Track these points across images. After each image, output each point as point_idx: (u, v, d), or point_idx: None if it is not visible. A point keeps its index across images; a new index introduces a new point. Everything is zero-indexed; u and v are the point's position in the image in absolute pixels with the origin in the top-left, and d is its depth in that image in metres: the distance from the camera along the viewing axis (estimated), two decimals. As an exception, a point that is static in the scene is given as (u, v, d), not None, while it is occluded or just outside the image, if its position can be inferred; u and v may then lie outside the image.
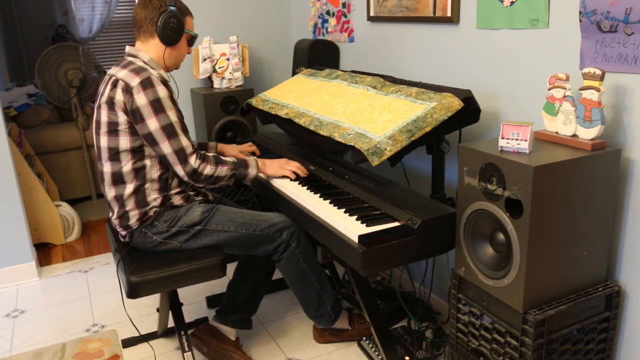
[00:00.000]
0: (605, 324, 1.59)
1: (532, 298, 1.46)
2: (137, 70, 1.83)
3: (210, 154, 1.95)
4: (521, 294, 1.44)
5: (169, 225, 1.93)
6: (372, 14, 2.57)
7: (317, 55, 2.90)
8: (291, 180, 2.09)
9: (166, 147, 1.84)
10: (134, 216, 1.92)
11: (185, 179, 1.90)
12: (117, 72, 1.86)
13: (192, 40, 2.02)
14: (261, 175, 2.12)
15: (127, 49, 1.95)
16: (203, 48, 3.01)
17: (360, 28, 2.71)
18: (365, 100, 2.04)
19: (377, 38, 2.58)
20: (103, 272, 3.06)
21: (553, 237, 1.44)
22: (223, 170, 1.93)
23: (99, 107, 1.88)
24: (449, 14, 2.07)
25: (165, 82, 1.87)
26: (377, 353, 2.16)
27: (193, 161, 1.87)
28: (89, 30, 5.81)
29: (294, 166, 2.11)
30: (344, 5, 2.81)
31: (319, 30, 3.11)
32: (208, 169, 1.90)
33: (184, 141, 1.86)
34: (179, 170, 1.87)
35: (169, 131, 1.83)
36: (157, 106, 1.81)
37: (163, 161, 1.89)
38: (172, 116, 1.84)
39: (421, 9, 2.22)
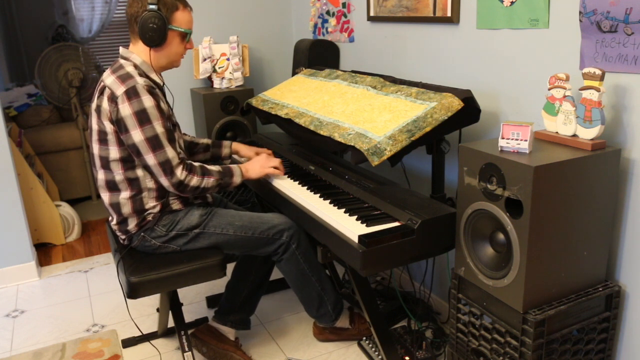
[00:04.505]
0: (605, 324, 1.59)
1: (532, 298, 1.46)
2: (124, 78, 1.78)
3: (197, 164, 1.89)
4: (521, 294, 1.44)
5: (168, 229, 1.92)
6: (372, 14, 2.57)
7: (317, 55, 2.90)
8: (279, 175, 2.10)
9: (151, 159, 1.79)
10: (132, 222, 1.91)
11: (171, 189, 1.84)
12: (106, 77, 1.83)
13: (184, 36, 1.89)
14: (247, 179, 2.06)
15: (121, 50, 1.90)
16: (203, 48, 3.01)
17: (360, 28, 2.71)
18: (365, 100, 2.04)
19: (377, 38, 2.58)
20: (103, 272, 3.06)
21: (553, 237, 1.44)
22: (209, 182, 1.88)
23: (91, 113, 1.85)
24: (449, 14, 2.07)
25: (152, 91, 1.79)
26: (377, 353, 2.16)
27: (179, 173, 1.81)
28: (89, 30, 5.81)
29: (275, 162, 2.09)
30: (344, 5, 2.81)
31: (319, 30, 3.11)
32: (195, 181, 1.85)
33: (169, 153, 1.80)
34: (164, 181, 1.82)
35: (153, 143, 1.77)
36: (142, 117, 1.75)
37: (149, 172, 1.84)
38: (158, 127, 1.78)
39: (421, 9, 2.22)
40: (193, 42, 2.01)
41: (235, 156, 2.37)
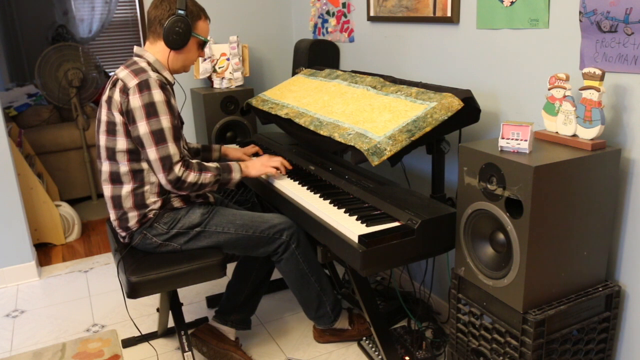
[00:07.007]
0: (605, 324, 1.59)
1: (532, 298, 1.46)
2: (137, 72, 1.82)
3: (194, 161, 1.90)
4: (521, 294, 1.44)
5: (169, 227, 1.93)
6: (372, 14, 2.57)
7: (317, 55, 2.90)
8: (280, 174, 2.09)
9: (152, 153, 1.80)
10: (133, 218, 1.91)
11: (168, 187, 1.84)
12: (120, 71, 1.87)
13: (202, 44, 1.99)
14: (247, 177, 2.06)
15: (135, 49, 1.95)
16: (203, 48, 3.01)
17: (360, 28, 2.71)
18: (365, 100, 2.04)
19: (377, 38, 2.58)
20: (103, 272, 3.06)
21: (553, 237, 1.44)
22: (207, 177, 1.89)
23: (101, 105, 1.88)
24: (449, 14, 2.07)
25: (164, 86, 1.83)
26: (377, 353, 2.16)
27: (177, 169, 1.82)
28: (89, 30, 5.81)
29: (276, 162, 2.09)
30: (344, 5, 2.81)
31: (319, 30, 3.11)
32: (192, 177, 1.85)
33: (171, 149, 1.81)
34: (162, 178, 1.82)
35: (158, 137, 1.79)
36: (150, 110, 1.78)
37: (150, 167, 1.85)
38: (165, 122, 1.80)
39: (421, 9, 2.22)
40: (205, 52, 2.07)
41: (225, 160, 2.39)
